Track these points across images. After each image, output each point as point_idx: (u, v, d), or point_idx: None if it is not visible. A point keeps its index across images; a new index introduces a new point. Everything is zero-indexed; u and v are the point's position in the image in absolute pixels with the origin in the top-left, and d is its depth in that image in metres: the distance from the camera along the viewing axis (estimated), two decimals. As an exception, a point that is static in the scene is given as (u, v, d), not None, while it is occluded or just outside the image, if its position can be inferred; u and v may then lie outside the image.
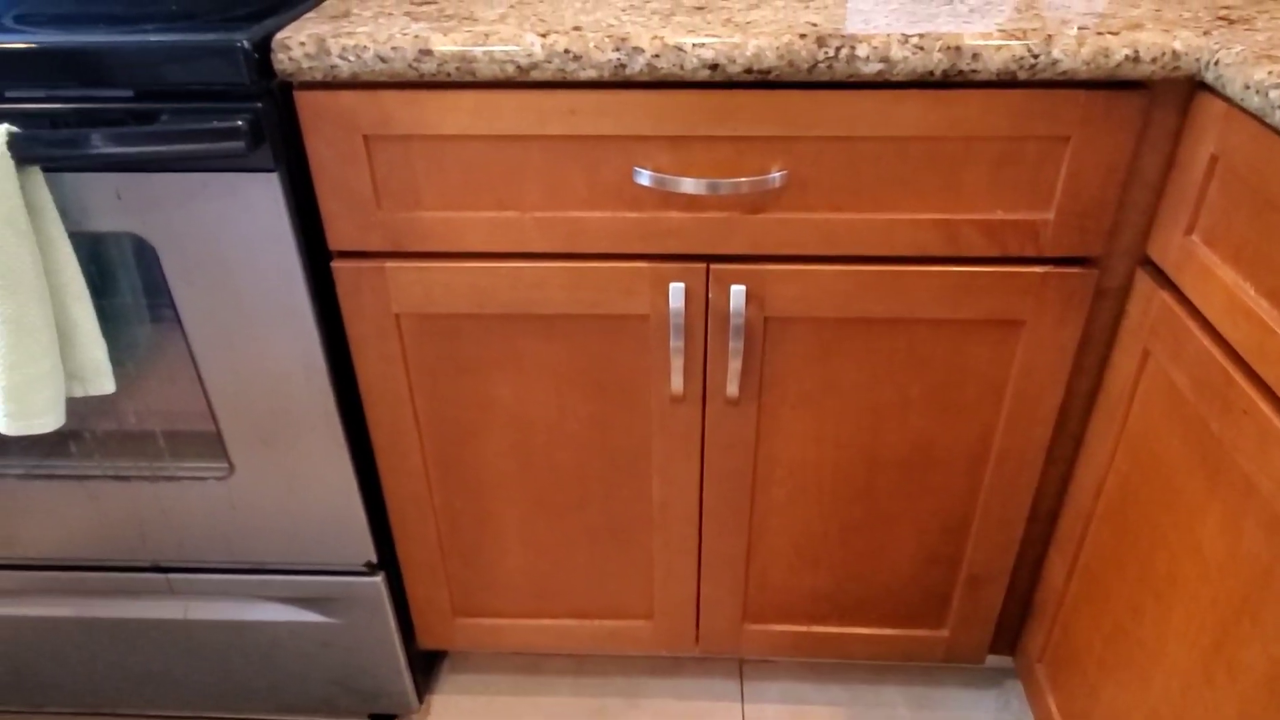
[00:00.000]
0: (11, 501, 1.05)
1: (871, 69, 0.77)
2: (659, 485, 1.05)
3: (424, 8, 0.86)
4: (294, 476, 1.01)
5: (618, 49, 0.76)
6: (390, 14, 0.84)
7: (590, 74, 0.78)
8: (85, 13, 0.88)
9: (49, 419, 0.87)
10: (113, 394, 0.95)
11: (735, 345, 0.92)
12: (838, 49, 0.76)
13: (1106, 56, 0.75)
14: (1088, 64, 0.76)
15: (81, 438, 1.03)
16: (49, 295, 0.82)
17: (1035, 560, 1.12)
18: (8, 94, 0.80)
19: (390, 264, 0.90)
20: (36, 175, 0.79)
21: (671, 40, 0.76)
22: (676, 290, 0.90)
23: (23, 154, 0.76)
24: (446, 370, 0.97)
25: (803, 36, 0.76)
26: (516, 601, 1.17)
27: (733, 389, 0.95)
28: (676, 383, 0.95)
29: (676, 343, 0.92)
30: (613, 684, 1.32)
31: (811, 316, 0.92)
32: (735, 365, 0.93)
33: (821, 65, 0.77)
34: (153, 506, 1.05)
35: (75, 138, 0.77)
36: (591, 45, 0.76)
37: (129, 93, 0.80)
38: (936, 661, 1.21)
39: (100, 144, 0.77)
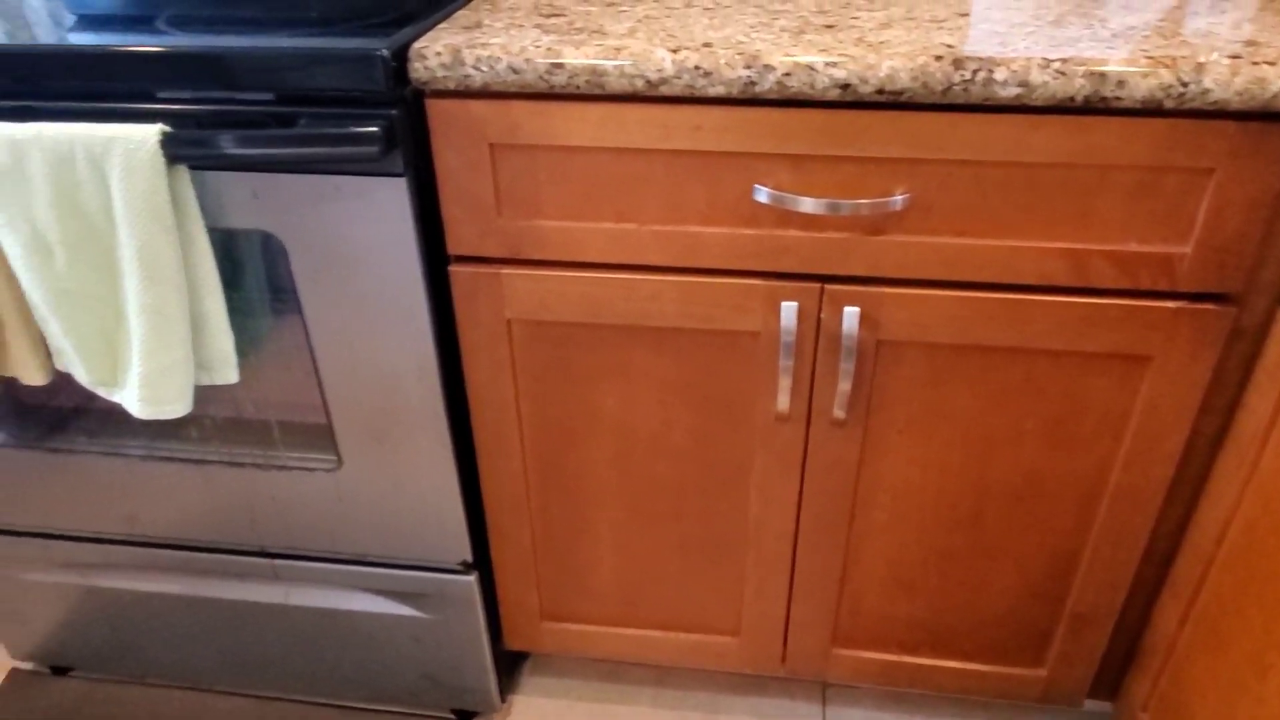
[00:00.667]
0: (132, 480, 1.10)
1: (1009, 93, 0.75)
2: (757, 502, 1.04)
3: (553, 20, 0.88)
4: (398, 473, 1.04)
5: (748, 66, 0.76)
6: (521, 26, 0.86)
7: (718, 90, 0.78)
8: (232, 16, 0.92)
9: (178, 405, 0.91)
10: (235, 384, 0.98)
11: (845, 367, 0.91)
12: (975, 72, 0.74)
13: (1262, 87, 0.72)
14: (1240, 94, 0.73)
15: (201, 423, 1.08)
16: (186, 287, 0.86)
17: (1145, 603, 1.08)
18: (159, 95, 0.84)
19: (506, 270, 0.91)
20: (183, 173, 0.82)
21: (803, 59, 0.76)
22: (789, 309, 0.89)
23: (172, 153, 0.80)
24: (554, 377, 0.99)
25: (938, 58, 0.75)
26: (604, 609, 1.18)
27: (839, 411, 0.94)
28: (783, 401, 0.94)
29: (786, 362, 0.91)
30: (693, 698, 1.32)
31: (925, 342, 0.91)
32: (844, 387, 0.92)
33: (957, 88, 0.75)
34: (264, 493, 1.08)
35: (220, 139, 0.80)
36: (722, 62, 0.76)
37: (270, 96, 0.83)
38: (1031, 702, 1.17)
39: (243, 145, 0.81)
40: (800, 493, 1.03)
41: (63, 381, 1.00)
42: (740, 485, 1.04)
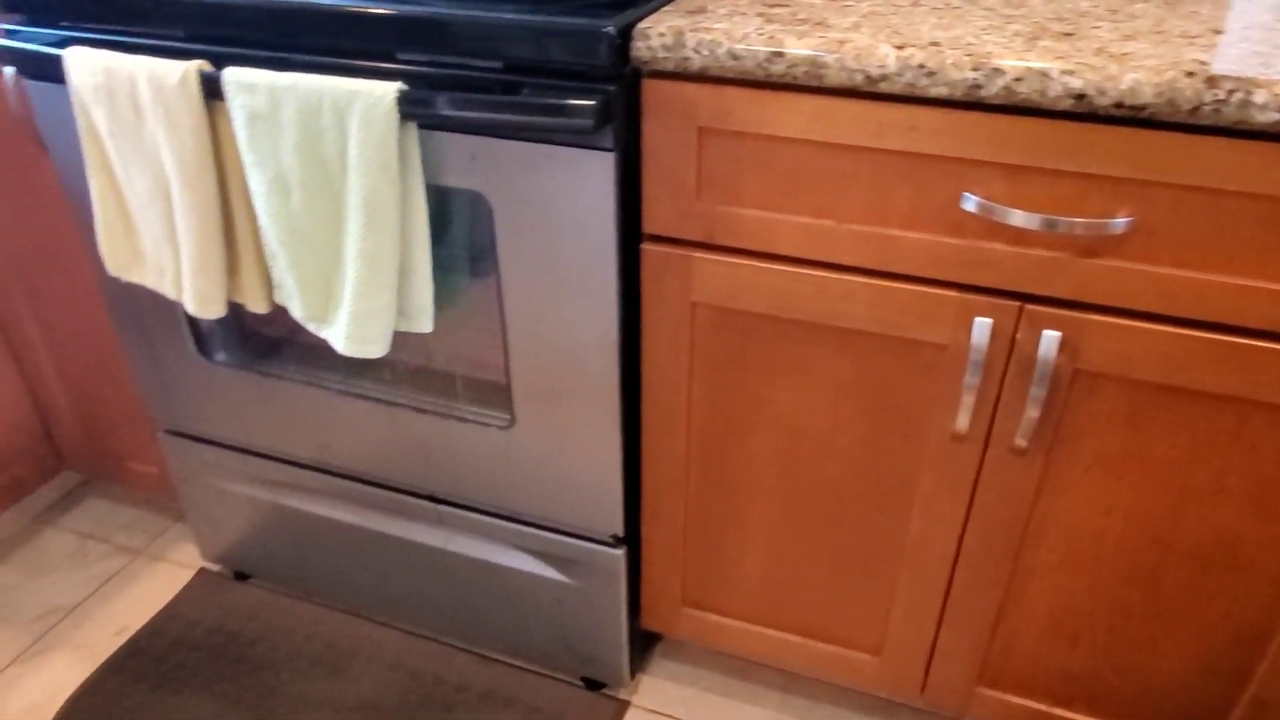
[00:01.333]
0: (327, 412, 1.19)
1: (1267, 118, 0.69)
2: (919, 520, 1.01)
3: (776, 9, 0.88)
4: (565, 439, 1.07)
5: (976, 68, 0.74)
6: (744, 13, 0.86)
7: (940, 91, 0.76)
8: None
9: (378, 347, 0.97)
10: (428, 334, 1.04)
11: (1036, 393, 0.86)
12: (1230, 92, 0.69)
13: None
14: None
15: (394, 367, 1.15)
16: (400, 237, 0.92)
17: (1347, 700, 0.97)
18: (399, 56, 0.90)
19: (698, 254, 0.93)
20: (412, 130, 0.88)
21: (1037, 64, 0.73)
22: (982, 325, 0.85)
23: (406, 110, 0.86)
24: (729, 365, 0.99)
25: (1190, 75, 0.70)
26: (746, 605, 1.18)
27: (1022, 439, 0.90)
28: (962, 421, 0.90)
29: (971, 380, 0.88)
30: (820, 711, 1.29)
31: (1128, 377, 0.85)
32: (1031, 414, 0.88)
33: (1207, 108, 0.70)
34: (440, 442, 1.14)
35: (449, 100, 0.85)
36: (948, 62, 0.74)
37: (498, 64, 0.87)
38: (1194, 782, 1.08)
39: (469, 108, 0.85)
40: (966, 518, 0.99)
41: (279, 313, 1.09)
42: (904, 500, 1.01)
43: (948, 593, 1.05)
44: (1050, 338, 0.84)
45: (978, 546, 1.00)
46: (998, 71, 0.73)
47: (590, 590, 1.20)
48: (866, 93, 0.79)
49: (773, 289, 0.92)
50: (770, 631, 1.18)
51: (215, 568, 1.51)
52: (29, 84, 1.07)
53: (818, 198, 0.86)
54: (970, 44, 0.77)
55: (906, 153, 0.81)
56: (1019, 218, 0.79)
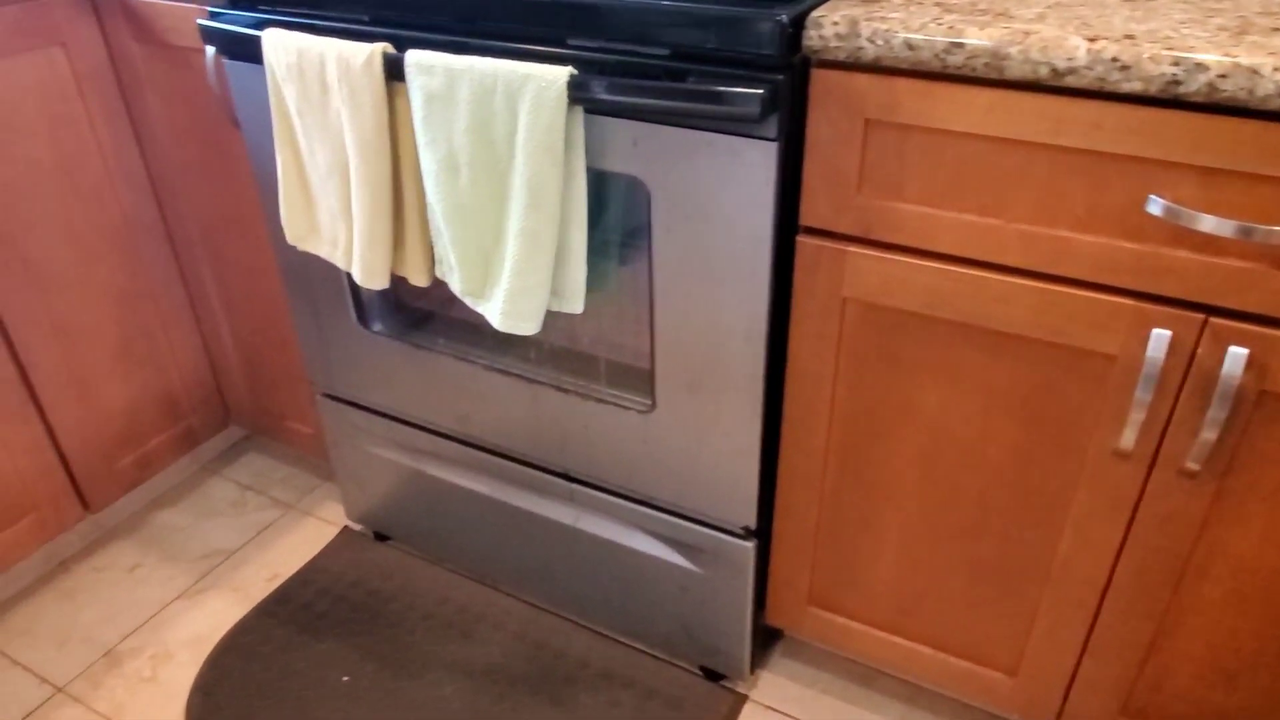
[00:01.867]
0: (473, 385, 1.24)
1: None
2: (1069, 539, 0.96)
3: None
4: (704, 427, 1.08)
5: (1176, 63, 0.69)
6: (920, 2, 0.84)
7: (1133, 87, 0.72)
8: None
9: (532, 324, 1.00)
10: (575, 316, 1.07)
11: (1215, 414, 0.81)
12: None
13: None
14: None
15: (540, 346, 1.18)
16: (559, 219, 0.94)
17: None
18: (569, 41, 0.92)
19: (853, 249, 0.91)
20: (578, 115, 0.90)
21: (1246, 61, 0.68)
22: (1159, 338, 0.81)
23: (574, 95, 0.88)
24: (876, 363, 0.97)
25: None
26: (874, 610, 1.15)
27: (1193, 461, 0.84)
28: (1128, 438, 0.86)
29: (1143, 395, 0.83)
30: (945, 727, 1.26)
31: (1324, 402, 0.78)
32: (1207, 436, 0.82)
33: None
34: (579, 422, 1.17)
35: (617, 86, 0.87)
36: (1145, 56, 0.70)
37: (665, 51, 0.88)
38: None
39: (635, 94, 0.86)
40: (1123, 541, 0.94)
41: (433, 288, 1.14)
42: (1055, 517, 0.96)
43: (1095, 619, 1.00)
44: (1236, 355, 0.78)
45: (1133, 573, 0.94)
46: (1200, 67, 0.69)
47: (716, 580, 1.20)
48: (1050, 87, 0.76)
49: (928, 287, 0.89)
50: (899, 640, 1.15)
51: (357, 527, 1.59)
52: (227, 64, 1.15)
53: (985, 195, 0.83)
54: (1169, 38, 0.72)
55: (1088, 151, 0.77)
56: (1209, 223, 0.74)
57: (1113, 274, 0.81)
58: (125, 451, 1.50)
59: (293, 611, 1.43)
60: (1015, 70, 0.75)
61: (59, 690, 1.32)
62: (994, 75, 0.76)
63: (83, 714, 1.29)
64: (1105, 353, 0.85)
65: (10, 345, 1.30)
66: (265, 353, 1.51)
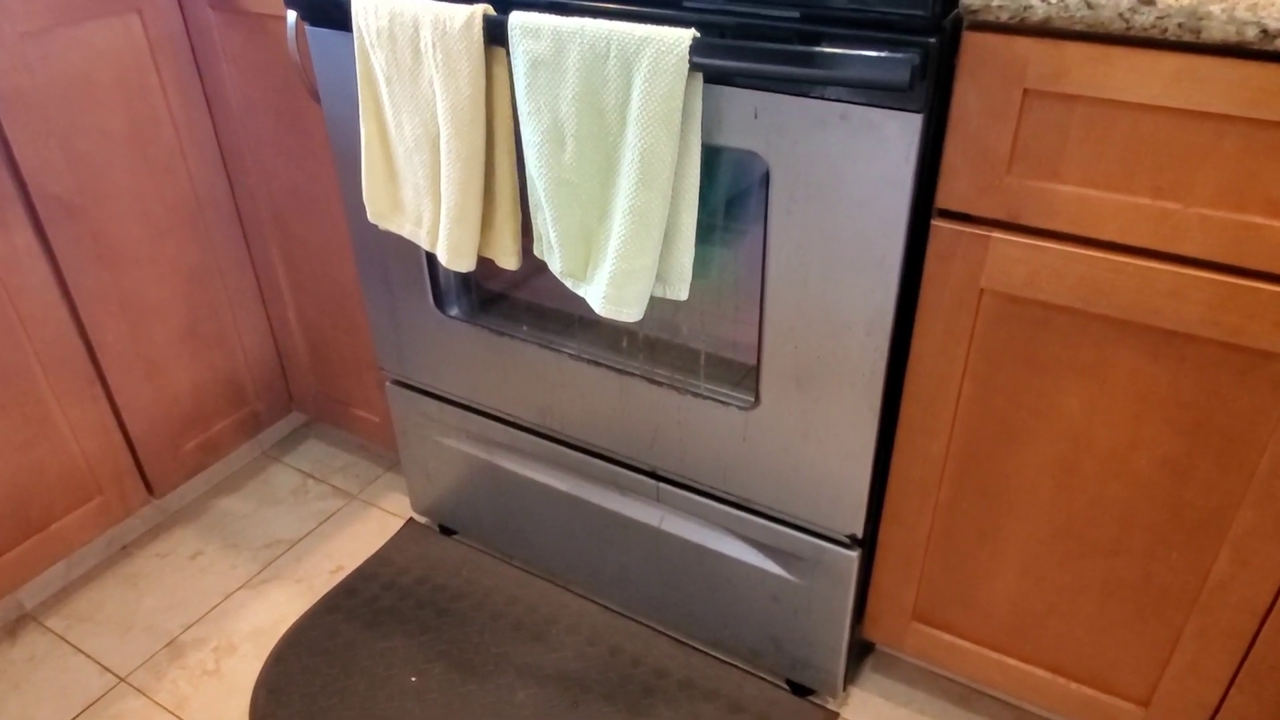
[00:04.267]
0: (556, 375, 1.16)
1: None
2: (1227, 562, 0.87)
3: (1129, -44, 0.76)
4: (813, 427, 0.99)
5: None
6: (1091, -41, 0.75)
7: (1364, 50, 0.62)
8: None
9: (635, 310, 0.93)
10: (672, 303, 0.99)
11: None
12: None
13: None
14: None
15: (635, 335, 1.11)
16: (670, 197, 0.87)
17: None
18: (686, 3, 0.84)
19: (997, 235, 0.82)
20: (697, 83, 0.82)
21: None
22: (1362, 339, 0.71)
23: (696, 60, 0.80)
24: (1012, 361, 0.88)
25: None
26: (988, 629, 1.06)
27: (1389, 479, 0.74)
28: (1312, 451, 0.76)
29: (1337, 403, 0.73)
30: (1055, 755, 1.16)
31: None
32: None
33: None
34: (671, 417, 1.09)
35: (744, 51, 0.79)
36: (1383, 13, 0.61)
37: (796, 13, 0.80)
38: None
39: (765, 60, 0.78)
40: (1291, 565, 0.84)
41: (518, 271, 1.07)
42: (1211, 537, 0.87)
43: (1249, 650, 0.90)
44: None
45: (1301, 600, 0.85)
46: None
47: (813, 590, 1.12)
48: (1254, 51, 0.67)
49: (1083, 279, 0.80)
50: (1013, 661, 1.07)
51: (423, 520, 1.53)
52: (309, 30, 1.09)
53: (1161, 175, 0.74)
54: (1404, -6, 0.63)
55: (1293, 125, 0.68)
56: None
57: (1310, 267, 0.71)
58: (190, 435, 1.46)
59: (357, 606, 1.37)
60: (1215, 32, 0.66)
61: (121, 680, 1.28)
62: (1188, 38, 0.67)
63: (145, 706, 1.24)
64: (1292, 356, 0.75)
65: (79, 322, 1.26)
66: (332, 337, 1.46)
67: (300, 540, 1.51)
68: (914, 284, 0.90)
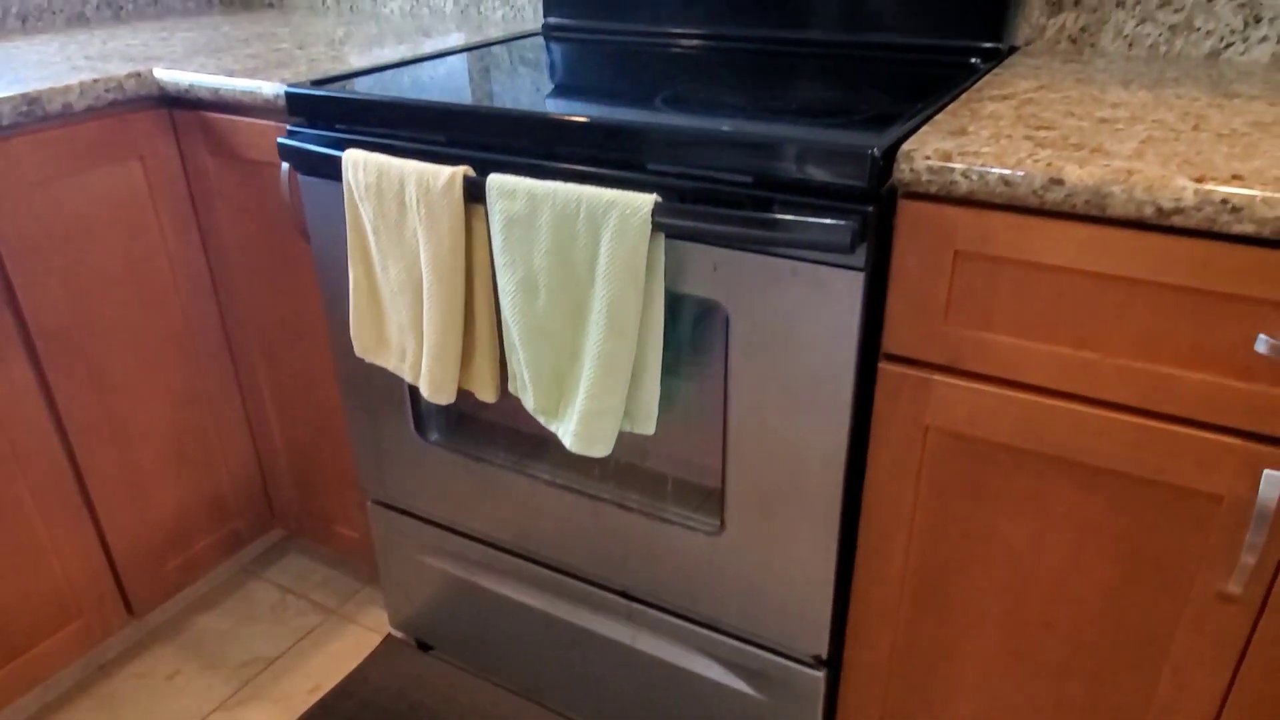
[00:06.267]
0: (532, 499, 1.21)
1: None
2: (1168, 684, 0.91)
3: (1044, 133, 0.85)
4: (775, 551, 1.04)
5: (1290, 207, 0.68)
6: (1009, 136, 0.84)
7: (1245, 229, 0.70)
8: (720, 101, 1.00)
9: (603, 446, 0.98)
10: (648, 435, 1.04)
11: (1333, 560, 0.77)
12: None
13: None
14: None
15: (605, 463, 1.16)
16: (636, 342, 0.93)
17: None
18: (650, 167, 0.92)
19: (938, 377, 0.89)
20: (659, 241, 0.90)
21: (1364, 206, 0.66)
22: (1272, 479, 0.77)
23: (658, 221, 0.87)
24: (959, 493, 0.94)
25: None
26: (953, 748, 1.09)
27: (1309, 607, 0.80)
28: (1236, 582, 0.81)
29: (1255, 538, 0.79)
30: None
31: None
32: (1325, 582, 0.78)
33: None
34: (642, 541, 1.14)
35: (701, 214, 0.86)
36: (1258, 199, 0.69)
37: (749, 179, 0.88)
38: None
39: (720, 223, 0.86)
40: (1229, 689, 0.88)
41: (495, 401, 1.12)
42: (1153, 658, 0.91)
43: (1199, 768, 0.94)
44: (1355, 500, 0.75)
45: (1241, 721, 0.89)
46: (1316, 212, 0.67)
47: (782, 709, 1.15)
48: (1153, 225, 0.75)
49: (1018, 419, 0.87)
50: (978, 781, 1.09)
51: (400, 635, 1.55)
52: (301, 178, 1.17)
53: (1081, 329, 0.81)
54: (1279, 178, 0.71)
55: (1193, 289, 0.75)
56: (1323, 366, 0.72)
57: (1220, 413, 0.78)
58: (172, 554, 1.48)
59: (335, 727, 1.38)
60: (1118, 209, 0.74)
61: (93, 810, 1.27)
62: (1094, 213, 0.75)
63: (117, 837, 1.23)
64: (1211, 492, 0.81)
65: (70, 450, 1.29)
66: (316, 457, 1.50)
67: (278, 658, 1.52)
68: (866, 420, 0.96)
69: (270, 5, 1.91)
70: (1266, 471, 0.77)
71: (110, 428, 1.33)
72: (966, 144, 0.81)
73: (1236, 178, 0.71)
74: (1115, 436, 0.83)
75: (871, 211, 0.82)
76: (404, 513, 1.38)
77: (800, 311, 0.89)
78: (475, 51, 1.35)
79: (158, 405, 1.39)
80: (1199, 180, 0.71)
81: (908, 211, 0.84)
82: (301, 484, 1.56)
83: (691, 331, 1.02)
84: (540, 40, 1.45)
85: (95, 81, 1.19)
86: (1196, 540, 0.84)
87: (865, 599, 1.05)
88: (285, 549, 1.77)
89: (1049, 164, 0.76)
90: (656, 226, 0.87)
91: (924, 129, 0.87)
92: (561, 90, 1.11)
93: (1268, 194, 0.69)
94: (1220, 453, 0.79)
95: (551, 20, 1.51)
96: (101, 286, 1.27)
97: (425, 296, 1.02)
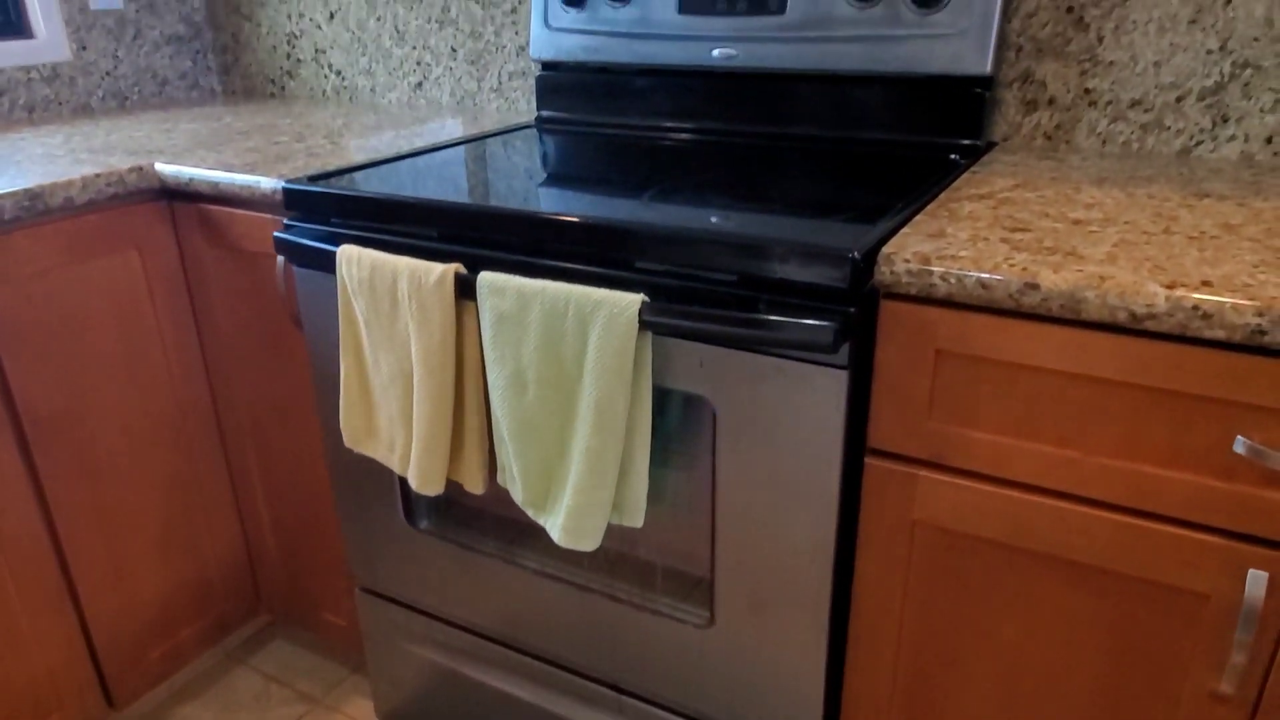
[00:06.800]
0: (521, 589, 1.20)
1: None
2: (1167, 786, 0.89)
3: (1019, 235, 0.87)
4: (765, 645, 1.03)
5: (1260, 314, 0.70)
6: (986, 239, 0.86)
7: (1216, 335, 0.72)
8: (708, 196, 1.02)
9: (591, 540, 0.98)
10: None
11: (1322, 661, 0.76)
12: None
13: None
14: None
15: (594, 552, 1.15)
16: (624, 437, 0.94)
17: None
18: (637, 265, 0.94)
19: (924, 473, 0.89)
20: (647, 338, 0.91)
21: (1331, 314, 0.68)
22: (1256, 579, 0.77)
23: (645, 320, 0.89)
24: (947, 587, 0.93)
25: None
26: None
27: (1301, 709, 0.79)
28: (1228, 681, 0.81)
29: (1242, 636, 0.79)
30: None
31: None
32: (1316, 684, 0.77)
33: None
34: (631, 632, 1.12)
35: (687, 313, 0.88)
36: (1227, 306, 0.71)
37: (733, 277, 0.90)
38: None
39: (706, 321, 0.87)
40: (1227, 790, 0.87)
41: (488, 490, 1.12)
42: (1149, 760, 0.90)
43: None
44: (1340, 601, 0.75)
45: (1241, 826, 0.87)
46: (1284, 319, 0.69)
47: (775, 808, 1.12)
48: (1127, 329, 0.76)
49: (1003, 515, 0.87)
50: None
51: (387, 726, 1.51)
52: (296, 270, 1.19)
53: (1062, 428, 0.82)
54: (1247, 284, 0.73)
55: (1169, 390, 0.76)
56: (1301, 467, 0.73)
57: (1202, 512, 0.78)
58: (156, 644, 1.45)
59: (316, 826, 1.34)
60: (1092, 313, 0.75)
61: None
62: (1070, 316, 0.77)
63: None
64: (1197, 591, 0.81)
65: (55, 537, 1.29)
66: (304, 542, 1.49)
67: (260, 751, 1.48)
68: (854, 514, 0.96)
69: (272, 95, 1.97)
70: (1252, 571, 0.78)
71: (97, 513, 1.33)
72: (945, 247, 0.84)
73: (1206, 284, 0.73)
74: (1101, 534, 0.83)
75: (853, 312, 0.83)
76: (392, 600, 1.37)
77: (786, 407, 0.90)
78: (471, 145, 1.39)
79: (146, 490, 1.39)
80: (1170, 286, 0.73)
81: (889, 311, 0.85)
82: (289, 570, 1.55)
83: (679, 424, 1.03)
84: (534, 132, 1.49)
85: (97, 176, 1.22)
86: (1187, 639, 0.84)
87: (857, 694, 1.04)
88: (270, 635, 1.74)
89: (1024, 268, 0.78)
90: (644, 325, 0.89)
91: (904, 230, 0.89)
92: (554, 181, 1.14)
93: (1236, 300, 0.70)
94: (1205, 552, 0.79)
95: (545, 113, 1.56)
96: (95, 373, 1.28)
97: (416, 389, 1.03)
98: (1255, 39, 1.11)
